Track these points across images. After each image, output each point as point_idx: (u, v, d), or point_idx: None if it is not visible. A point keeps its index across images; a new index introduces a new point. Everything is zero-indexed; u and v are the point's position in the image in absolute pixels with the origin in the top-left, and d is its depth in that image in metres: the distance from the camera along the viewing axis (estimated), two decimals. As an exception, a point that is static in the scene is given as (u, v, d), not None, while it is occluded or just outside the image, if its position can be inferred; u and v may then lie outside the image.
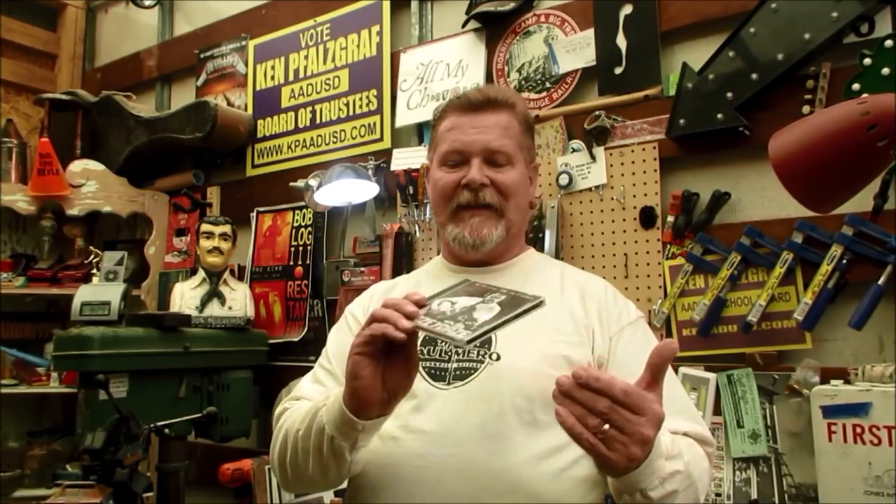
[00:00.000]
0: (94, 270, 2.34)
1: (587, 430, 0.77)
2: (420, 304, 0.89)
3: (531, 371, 1.02)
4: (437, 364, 1.06)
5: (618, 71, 1.87)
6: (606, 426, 0.77)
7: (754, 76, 1.63)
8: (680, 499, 0.89)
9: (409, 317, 0.86)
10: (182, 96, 2.96)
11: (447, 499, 0.95)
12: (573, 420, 0.77)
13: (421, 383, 1.02)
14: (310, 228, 2.42)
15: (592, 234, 1.85)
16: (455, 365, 1.05)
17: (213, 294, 2.28)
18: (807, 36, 1.57)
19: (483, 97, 1.16)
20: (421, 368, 1.05)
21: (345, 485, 1.11)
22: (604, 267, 1.81)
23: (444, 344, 1.07)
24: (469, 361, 1.05)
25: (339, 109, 2.44)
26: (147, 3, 3.01)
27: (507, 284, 1.14)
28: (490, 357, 1.04)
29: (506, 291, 0.90)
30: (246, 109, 2.68)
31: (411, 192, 2.13)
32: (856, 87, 1.45)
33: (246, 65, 2.71)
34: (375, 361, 0.89)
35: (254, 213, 2.57)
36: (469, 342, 0.81)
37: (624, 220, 1.80)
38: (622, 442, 0.77)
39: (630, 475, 0.81)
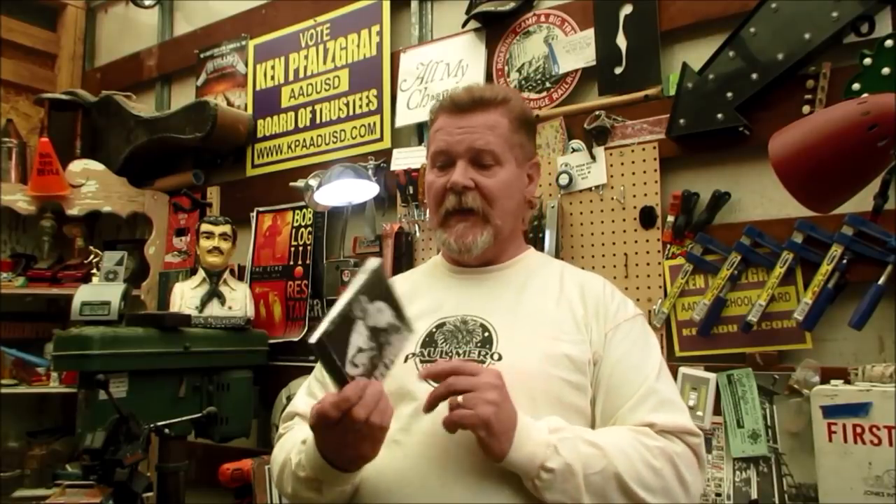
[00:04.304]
0: (94, 270, 2.34)
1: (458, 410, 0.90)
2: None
3: (535, 371, 1.02)
4: None
5: (618, 71, 1.87)
6: (460, 398, 0.90)
7: (754, 76, 1.63)
8: (596, 477, 0.92)
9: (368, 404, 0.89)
10: (182, 96, 2.96)
11: (452, 501, 0.95)
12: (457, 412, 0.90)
13: (421, 384, 1.01)
14: (310, 228, 2.42)
15: (592, 234, 1.85)
16: None
17: (213, 294, 2.28)
18: (807, 36, 1.57)
19: (468, 97, 1.14)
20: (420, 370, 1.05)
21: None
22: (604, 267, 1.81)
23: (444, 344, 1.07)
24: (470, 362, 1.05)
25: (339, 109, 2.44)
26: (147, 3, 3.01)
27: (507, 285, 1.15)
28: (492, 357, 1.04)
29: (354, 294, 0.92)
30: (246, 109, 2.68)
31: (411, 192, 2.13)
32: (856, 87, 1.46)
33: (246, 65, 2.71)
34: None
35: (254, 213, 2.57)
36: (412, 327, 1.00)
37: (624, 220, 1.80)
38: (475, 395, 0.90)
39: (515, 451, 0.90)
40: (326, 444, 0.94)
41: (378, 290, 0.94)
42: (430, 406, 0.93)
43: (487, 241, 1.13)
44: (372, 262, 0.95)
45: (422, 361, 1.07)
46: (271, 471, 1.15)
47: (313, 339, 0.86)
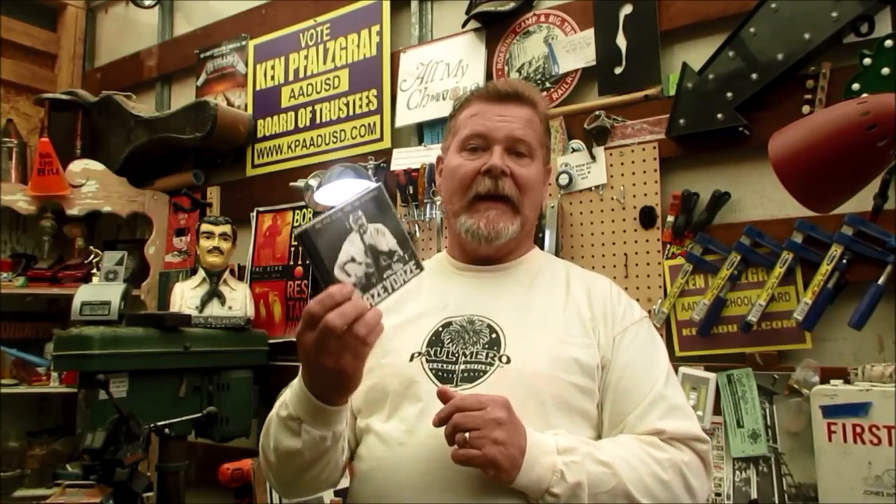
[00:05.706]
0: (94, 270, 2.34)
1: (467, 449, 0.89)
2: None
3: (544, 374, 1.02)
4: (444, 366, 1.05)
5: (618, 71, 1.87)
6: (467, 434, 0.89)
7: (754, 76, 1.63)
8: (605, 496, 0.93)
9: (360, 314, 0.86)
10: (182, 96, 2.96)
11: (457, 503, 0.95)
12: (465, 450, 0.89)
13: (427, 385, 1.01)
14: (310, 228, 2.41)
15: (592, 234, 1.85)
16: (463, 367, 1.04)
17: (213, 294, 2.28)
18: (807, 36, 1.57)
19: (511, 89, 1.16)
20: (427, 370, 1.05)
21: (345, 482, 1.11)
22: (604, 267, 1.81)
23: (451, 345, 1.06)
24: (478, 363, 1.04)
25: (339, 109, 2.44)
26: (147, 3, 3.01)
27: (513, 284, 1.15)
28: (500, 359, 1.03)
29: (349, 205, 0.91)
30: (246, 109, 2.68)
31: (411, 192, 2.13)
32: (856, 86, 1.46)
33: (246, 65, 2.71)
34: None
35: (254, 213, 2.57)
36: (421, 266, 0.97)
37: (624, 220, 1.80)
38: (482, 435, 0.89)
39: (523, 475, 0.90)
40: (308, 357, 0.88)
41: (378, 213, 0.93)
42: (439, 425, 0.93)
43: (516, 230, 1.13)
44: (372, 185, 0.93)
45: (427, 361, 1.06)
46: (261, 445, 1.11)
47: (299, 230, 0.84)
